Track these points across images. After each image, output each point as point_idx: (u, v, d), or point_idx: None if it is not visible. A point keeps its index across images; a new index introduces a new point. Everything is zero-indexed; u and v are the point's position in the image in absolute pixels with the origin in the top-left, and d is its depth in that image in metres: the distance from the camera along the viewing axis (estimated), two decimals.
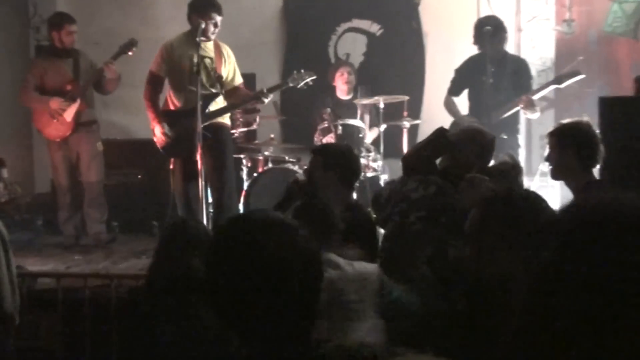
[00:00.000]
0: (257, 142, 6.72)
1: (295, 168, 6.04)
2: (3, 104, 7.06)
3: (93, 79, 5.94)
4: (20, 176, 6.76)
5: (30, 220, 6.49)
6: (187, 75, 5.32)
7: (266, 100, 5.41)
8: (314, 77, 5.49)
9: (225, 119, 5.65)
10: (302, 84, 5.45)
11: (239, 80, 5.63)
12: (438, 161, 3.55)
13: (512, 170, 3.61)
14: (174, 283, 2.88)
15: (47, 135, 6.03)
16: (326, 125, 6.15)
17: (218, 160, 5.40)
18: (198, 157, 4.96)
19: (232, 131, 6.08)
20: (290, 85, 5.50)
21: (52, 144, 6.05)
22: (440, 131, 3.41)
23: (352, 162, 3.82)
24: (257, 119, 6.41)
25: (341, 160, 3.74)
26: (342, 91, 6.70)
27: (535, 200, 2.11)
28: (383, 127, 6.25)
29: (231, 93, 5.59)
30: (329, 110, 6.27)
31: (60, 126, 5.93)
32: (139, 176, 6.80)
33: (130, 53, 5.76)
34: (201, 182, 5.00)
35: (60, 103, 5.85)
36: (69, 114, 5.89)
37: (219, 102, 5.53)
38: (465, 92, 6.18)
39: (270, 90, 5.44)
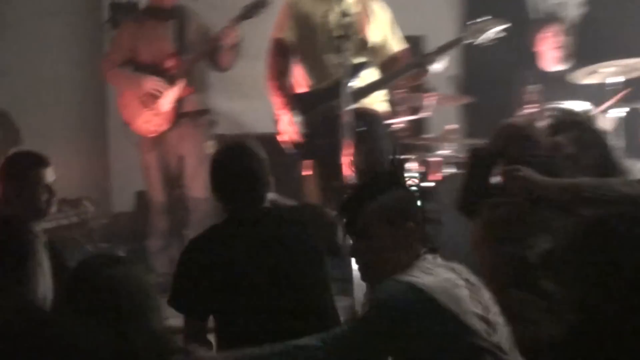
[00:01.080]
0: (429, 136, 6.00)
1: None
2: (67, 86, 6.35)
3: (204, 50, 5.13)
4: (91, 189, 6.02)
5: (107, 251, 5.93)
6: (321, 41, 4.70)
7: (434, 68, 4.60)
8: (503, 27, 4.60)
9: (379, 104, 4.86)
10: (482, 37, 4.57)
11: (398, 46, 4.84)
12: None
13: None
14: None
15: (137, 130, 5.24)
16: (533, 109, 5.28)
17: (372, 162, 4.65)
18: (344, 159, 4.34)
19: (392, 121, 5.34)
20: (468, 41, 4.66)
21: (143, 142, 5.25)
22: (473, 154, 3.52)
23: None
24: (429, 102, 5.56)
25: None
26: (552, 60, 5.76)
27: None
28: (620, 111, 5.23)
29: (388, 65, 4.80)
30: (536, 87, 5.41)
31: (153, 117, 5.13)
32: None
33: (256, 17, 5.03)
34: None
35: (156, 84, 5.08)
36: (167, 101, 5.07)
37: (368, 77, 4.70)
38: None
39: (439, 51, 4.61)
